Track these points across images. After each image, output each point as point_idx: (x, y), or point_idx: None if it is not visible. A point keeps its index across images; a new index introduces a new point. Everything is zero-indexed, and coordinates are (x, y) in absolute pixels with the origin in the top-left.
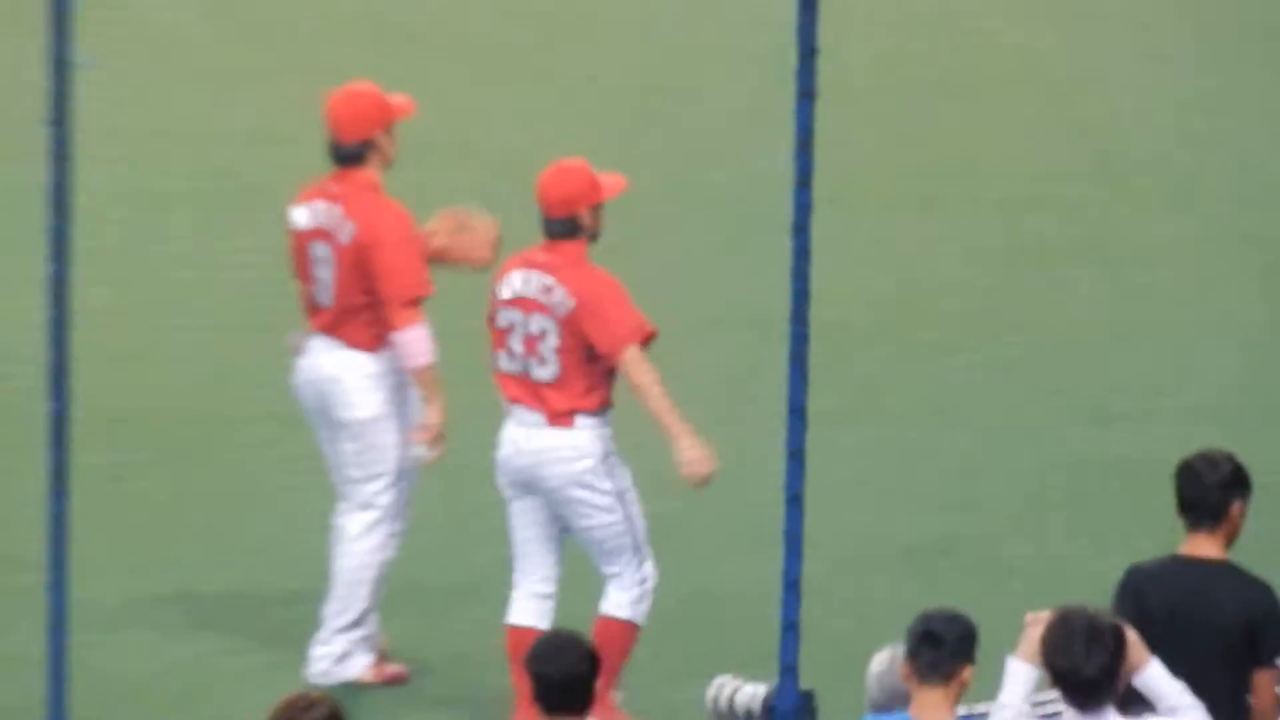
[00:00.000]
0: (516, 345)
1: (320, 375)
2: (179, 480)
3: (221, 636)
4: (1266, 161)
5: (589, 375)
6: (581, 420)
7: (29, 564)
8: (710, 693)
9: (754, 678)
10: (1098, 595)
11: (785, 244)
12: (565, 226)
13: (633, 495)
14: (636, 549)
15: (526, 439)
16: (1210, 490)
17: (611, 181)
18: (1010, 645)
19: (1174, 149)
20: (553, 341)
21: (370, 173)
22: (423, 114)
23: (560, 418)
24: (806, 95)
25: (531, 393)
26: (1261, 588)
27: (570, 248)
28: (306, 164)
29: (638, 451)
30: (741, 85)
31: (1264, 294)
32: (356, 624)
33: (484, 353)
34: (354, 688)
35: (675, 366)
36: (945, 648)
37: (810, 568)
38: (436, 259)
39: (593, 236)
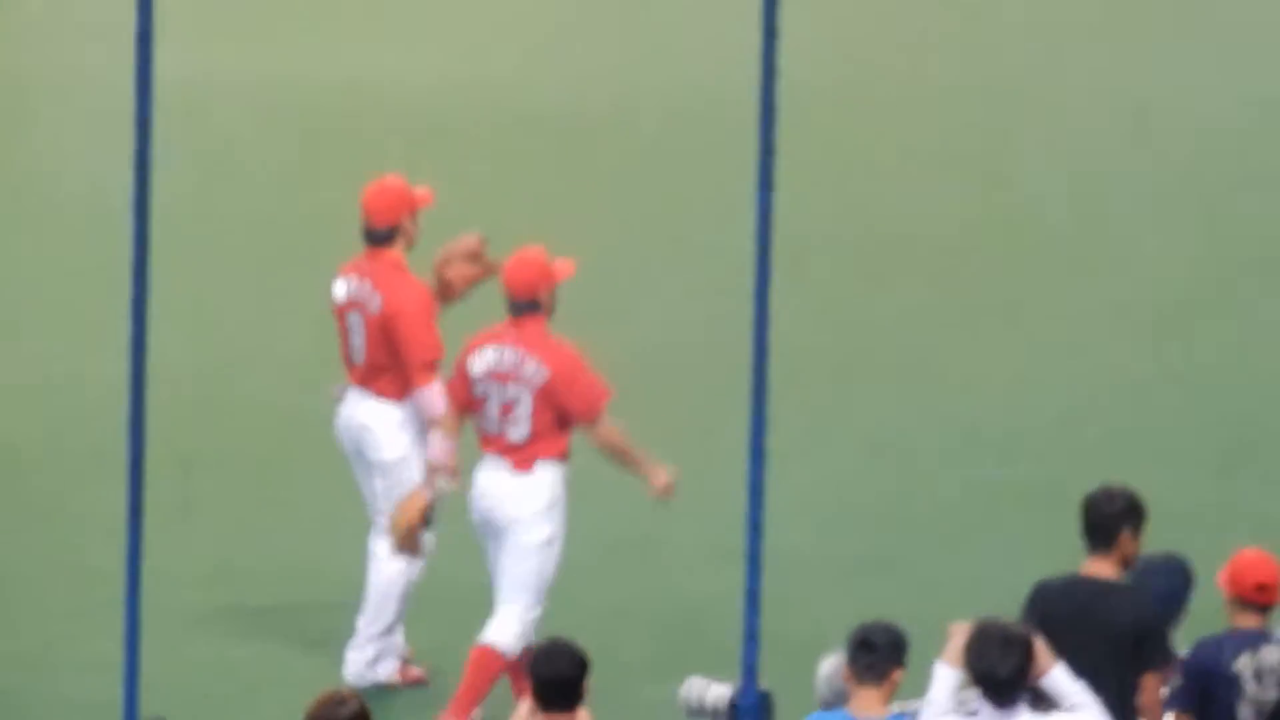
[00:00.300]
0: (493, 411)
1: (355, 422)
2: (239, 511)
3: (271, 643)
4: (1145, 237)
5: (555, 430)
6: (541, 465)
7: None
8: (683, 691)
9: (720, 678)
10: (1012, 607)
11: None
12: (529, 306)
13: (559, 547)
14: (538, 590)
15: (491, 483)
16: (1107, 519)
17: (564, 266)
18: (937, 651)
19: (1076, 224)
20: (526, 407)
21: (396, 252)
22: (450, 202)
23: (523, 463)
24: (766, 188)
25: (504, 447)
26: (1148, 604)
27: (534, 324)
28: (354, 244)
29: (619, 479)
30: (713, 177)
31: (1151, 350)
32: (385, 633)
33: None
34: (382, 688)
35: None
36: (879, 653)
37: (768, 581)
38: (452, 289)
39: (550, 312)
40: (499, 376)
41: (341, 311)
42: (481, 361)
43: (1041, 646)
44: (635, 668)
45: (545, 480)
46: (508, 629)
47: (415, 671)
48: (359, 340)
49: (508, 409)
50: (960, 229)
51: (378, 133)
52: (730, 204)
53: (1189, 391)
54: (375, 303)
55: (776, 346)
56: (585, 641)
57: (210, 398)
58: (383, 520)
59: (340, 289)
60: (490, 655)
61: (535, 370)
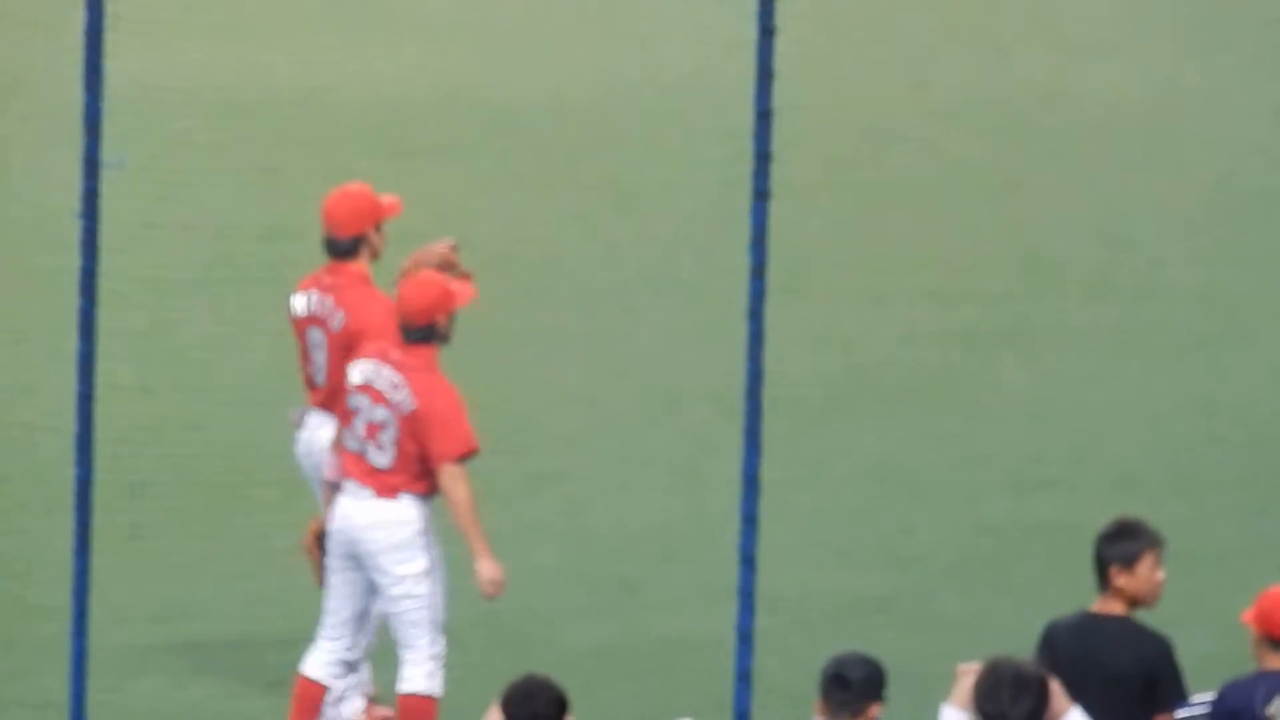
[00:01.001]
0: (359, 428)
1: (317, 446)
2: (192, 540)
3: (228, 681)
4: (1168, 258)
5: (419, 465)
6: (405, 498)
7: (54, 614)
8: None
9: None
10: (1021, 646)
11: (742, 329)
12: (423, 333)
13: (439, 575)
14: (434, 624)
15: (355, 511)
16: (1123, 554)
17: (464, 290)
18: (943, 691)
19: (1090, 247)
20: (391, 433)
21: (360, 265)
22: (418, 213)
23: (388, 491)
24: (761, 196)
25: (366, 472)
26: (1159, 642)
27: (425, 352)
28: (315, 256)
29: (606, 516)
30: (704, 186)
31: (1169, 377)
32: (351, 669)
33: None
34: None
35: (643, 438)
36: (852, 689)
37: (763, 622)
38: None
39: (445, 340)
40: (372, 394)
41: (301, 327)
42: (359, 374)
43: (1057, 688)
44: (619, 711)
45: (412, 510)
46: (418, 673)
47: (381, 711)
48: (321, 359)
49: (373, 430)
50: (969, 248)
51: (344, 138)
52: (723, 215)
53: (1211, 421)
54: (338, 320)
55: (773, 369)
56: (567, 683)
57: (161, 418)
58: None
59: (300, 303)
60: (415, 703)
61: (407, 399)
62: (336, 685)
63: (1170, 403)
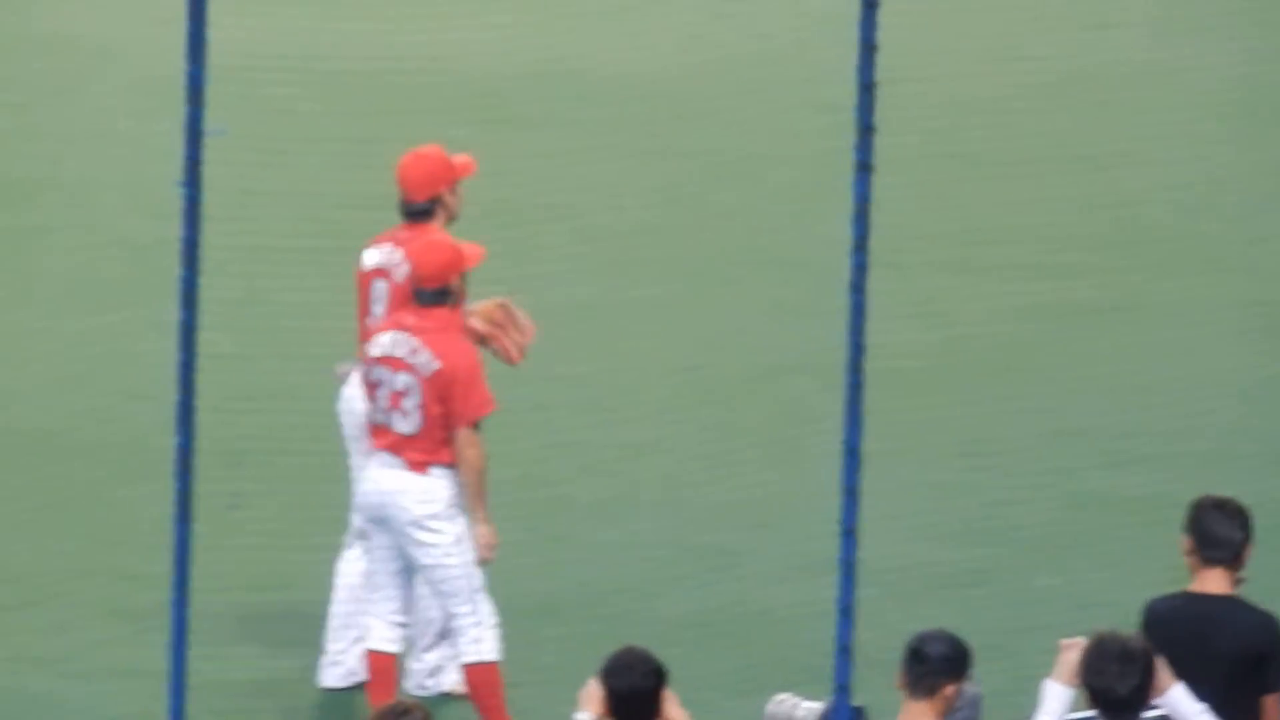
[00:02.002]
0: (383, 399)
1: (358, 404)
2: (290, 508)
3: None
4: (1266, 231)
5: (444, 431)
6: (435, 470)
7: (152, 582)
8: (770, 708)
9: (810, 695)
10: (1117, 621)
11: (842, 302)
12: (438, 295)
13: (468, 544)
14: (472, 591)
15: (384, 479)
16: (1229, 532)
17: (473, 251)
18: (1038, 667)
19: (1186, 219)
20: (415, 398)
21: (435, 226)
22: (513, 182)
23: (417, 466)
24: (864, 168)
25: (393, 443)
26: (1267, 620)
27: (440, 314)
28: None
29: (704, 487)
30: (800, 158)
31: (1265, 352)
32: (446, 639)
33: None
34: (446, 699)
35: (742, 410)
36: (928, 665)
37: (862, 594)
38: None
39: (460, 301)
40: (391, 363)
41: (366, 280)
42: (377, 346)
43: (1161, 664)
44: (718, 682)
45: (441, 483)
46: (475, 640)
47: None
48: (380, 311)
49: (396, 399)
50: (1067, 221)
51: (440, 108)
52: (819, 188)
53: None
54: (402, 271)
55: (871, 341)
56: (668, 653)
57: (259, 386)
58: None
59: (370, 257)
60: (481, 672)
61: (428, 361)
62: (428, 658)
63: (1265, 376)
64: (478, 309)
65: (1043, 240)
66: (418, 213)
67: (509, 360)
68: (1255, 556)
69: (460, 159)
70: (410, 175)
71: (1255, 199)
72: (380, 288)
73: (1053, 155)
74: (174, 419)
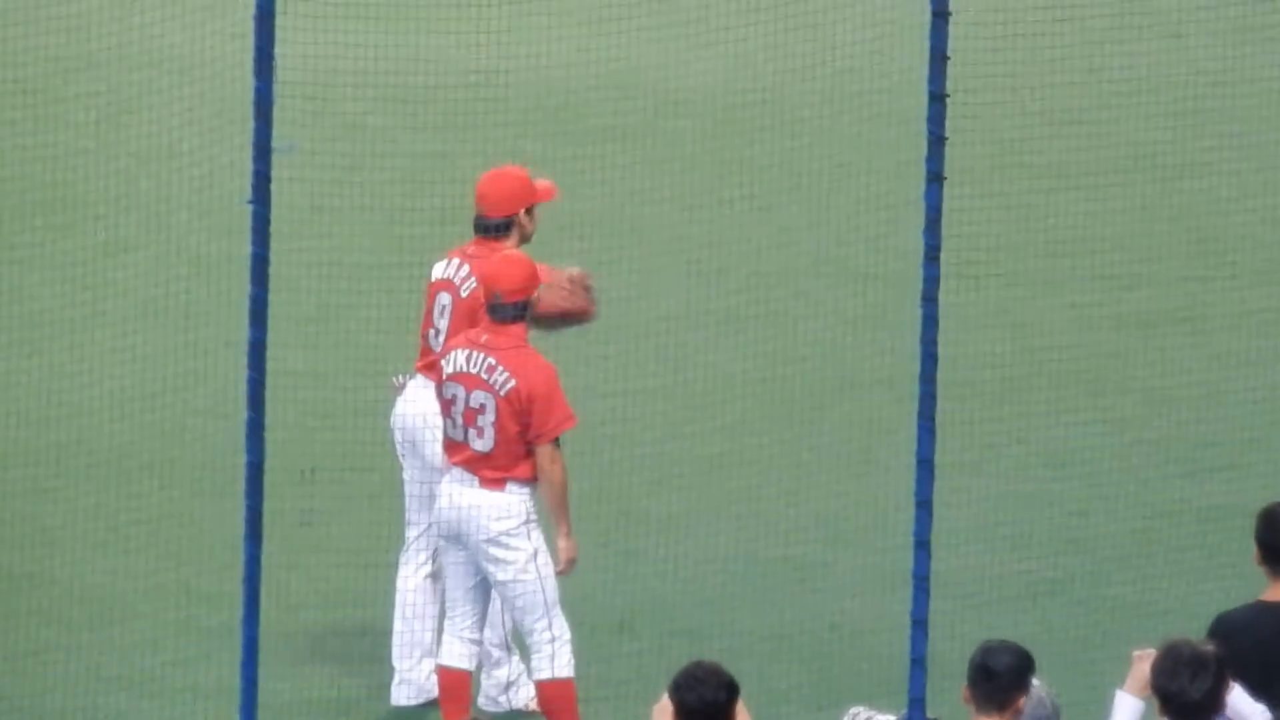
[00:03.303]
0: (458, 417)
1: (410, 420)
2: (362, 526)
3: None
4: None
5: (521, 447)
6: (511, 486)
7: (224, 601)
8: None
9: (885, 708)
10: (1195, 630)
11: (917, 313)
12: (516, 311)
13: (546, 559)
14: (549, 607)
15: (459, 495)
16: None
17: (544, 270)
18: (1115, 675)
19: (1264, 229)
20: (490, 416)
21: (508, 244)
22: (589, 195)
23: (493, 482)
24: (935, 179)
25: (469, 459)
26: None
27: (515, 330)
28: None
29: (788, 499)
30: (876, 169)
31: None
32: (516, 654)
33: (661, 404)
34: (518, 715)
35: (817, 423)
36: (998, 680)
37: (936, 606)
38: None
39: (534, 319)
40: (466, 380)
41: (433, 291)
42: (451, 364)
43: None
44: (793, 695)
45: (517, 499)
46: (550, 657)
47: None
48: (444, 324)
49: (471, 416)
50: (1142, 231)
51: (514, 122)
52: (896, 198)
53: None
54: (468, 286)
55: (945, 353)
56: (741, 667)
57: (331, 403)
58: None
59: (439, 268)
60: (555, 688)
61: (504, 380)
62: (499, 672)
63: None
64: (551, 284)
65: (1120, 250)
66: (491, 228)
67: (587, 316)
68: None
69: (543, 183)
70: (489, 191)
71: None
72: (444, 300)
73: (1129, 165)
74: (244, 437)
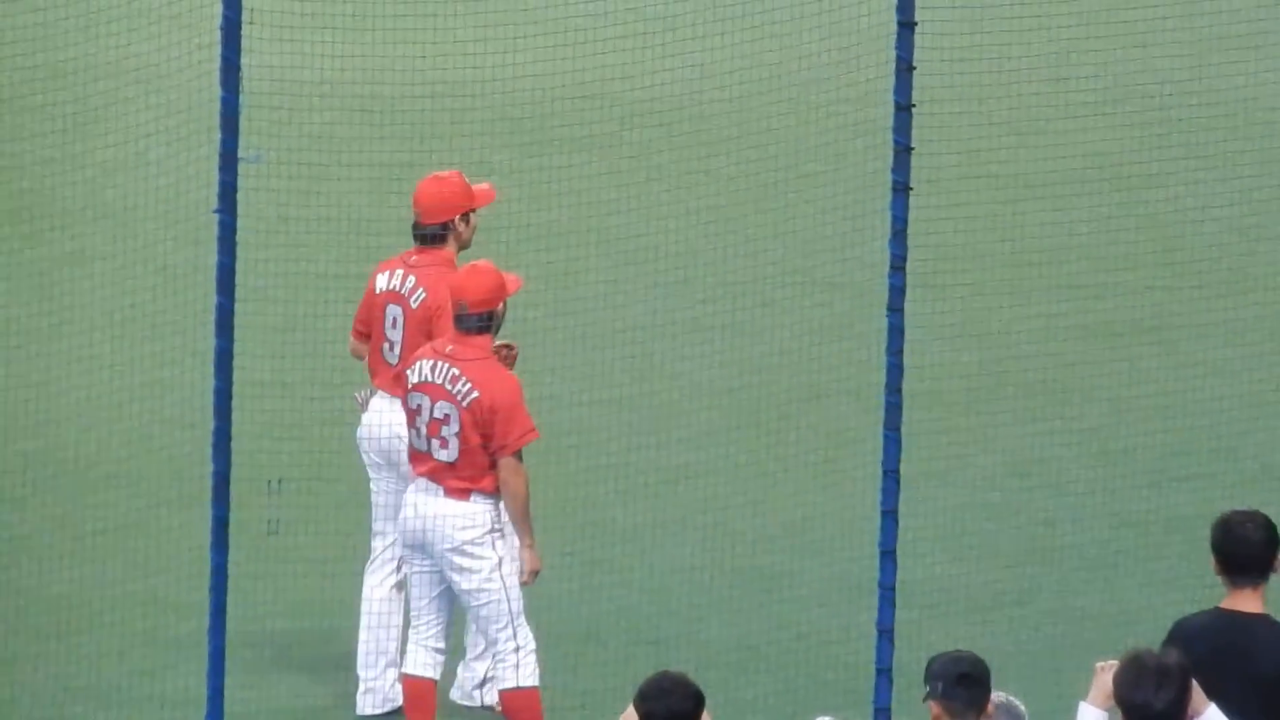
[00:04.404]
0: (423, 427)
1: (377, 431)
2: (328, 535)
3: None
4: None
5: (484, 458)
6: (476, 497)
7: (191, 610)
8: None
9: (851, 717)
10: (1163, 641)
11: (882, 323)
12: (482, 321)
13: (511, 569)
14: (511, 618)
15: (424, 505)
16: (1258, 548)
17: (514, 280)
18: (1083, 686)
19: (1230, 239)
20: (454, 427)
21: (447, 251)
22: (555, 205)
23: (457, 492)
24: (901, 189)
25: (433, 470)
26: None
27: (481, 341)
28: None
29: (754, 508)
30: (843, 180)
31: None
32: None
33: (627, 414)
34: (490, 714)
35: (783, 433)
36: (977, 687)
37: (902, 616)
38: None
39: (499, 329)
40: (431, 390)
41: (380, 304)
42: (417, 374)
43: (1195, 683)
44: (760, 705)
45: (481, 509)
46: (514, 666)
47: None
48: (396, 336)
49: (435, 427)
50: (1106, 240)
51: (481, 132)
52: (861, 208)
53: None
54: (417, 297)
55: (911, 363)
56: (707, 676)
57: (298, 413)
58: None
59: (381, 280)
60: (520, 697)
61: (468, 390)
62: (479, 665)
63: None
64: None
65: (1086, 260)
66: (427, 236)
67: None
68: None
69: (481, 187)
70: (424, 198)
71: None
72: (395, 313)
73: (1095, 175)
74: (211, 446)
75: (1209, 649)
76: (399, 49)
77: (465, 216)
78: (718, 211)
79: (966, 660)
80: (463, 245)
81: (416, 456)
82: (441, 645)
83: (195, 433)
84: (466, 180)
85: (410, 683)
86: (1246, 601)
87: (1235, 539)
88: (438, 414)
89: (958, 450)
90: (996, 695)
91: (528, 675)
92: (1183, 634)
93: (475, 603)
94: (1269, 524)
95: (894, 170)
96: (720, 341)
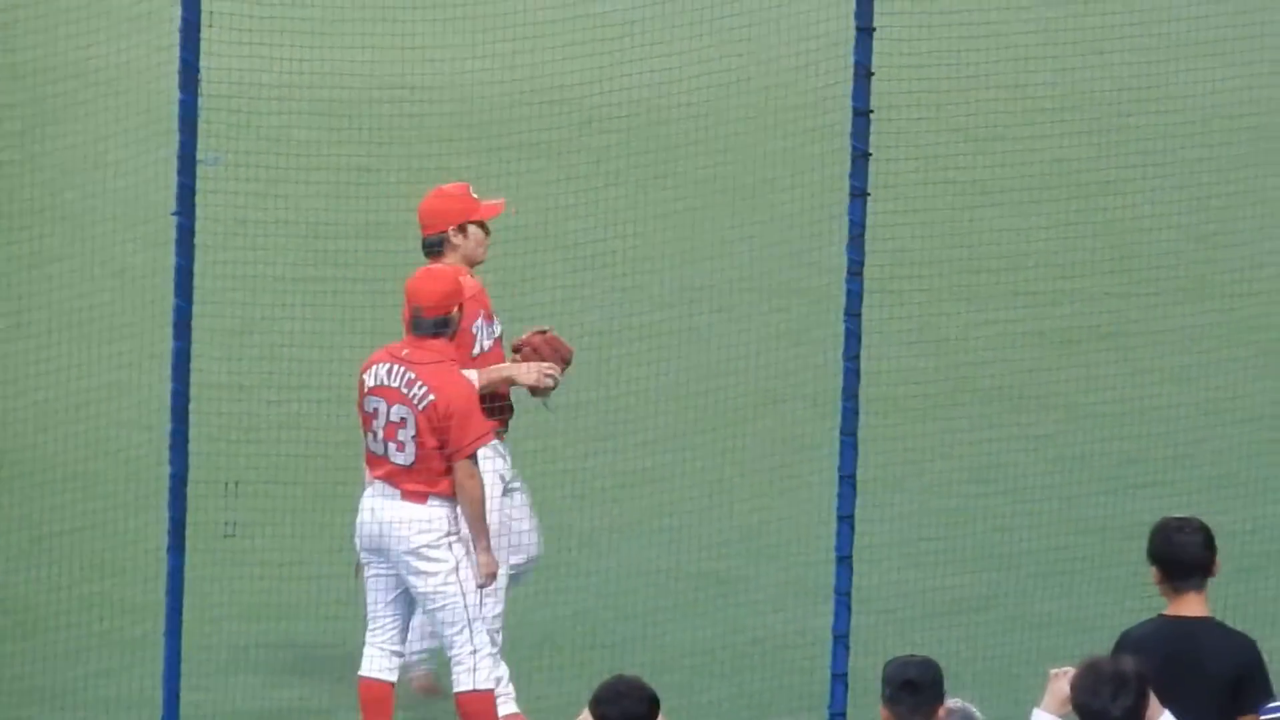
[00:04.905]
0: (379, 430)
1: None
2: (285, 539)
3: (319, 681)
4: (1266, 258)
5: (441, 462)
6: (434, 500)
7: (147, 612)
8: None
9: None
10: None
11: (840, 328)
12: (437, 325)
13: (468, 573)
14: (467, 621)
15: (381, 508)
16: (1198, 551)
17: (472, 285)
18: (1040, 692)
19: (1186, 246)
20: (410, 430)
21: (447, 263)
22: (520, 210)
23: (414, 496)
24: (859, 194)
25: (390, 473)
26: (1245, 641)
27: (437, 345)
28: (410, 252)
29: (711, 513)
30: (801, 185)
31: (1264, 376)
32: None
33: (584, 419)
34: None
35: (740, 438)
36: (924, 693)
37: (859, 621)
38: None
39: (455, 334)
40: (387, 394)
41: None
42: (373, 377)
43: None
44: (715, 710)
45: (438, 513)
46: (470, 669)
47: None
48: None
49: (392, 430)
50: (1063, 247)
51: (440, 137)
52: (820, 213)
53: None
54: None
55: (869, 368)
56: (663, 681)
57: (255, 416)
58: None
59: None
60: (475, 700)
61: (423, 394)
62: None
63: (1267, 402)
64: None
65: (1043, 266)
66: (425, 246)
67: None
68: (1256, 582)
69: (489, 203)
70: (421, 209)
71: (1251, 225)
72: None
73: (1053, 182)
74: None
75: (1157, 656)
76: (358, 53)
77: (462, 228)
78: (676, 217)
79: (914, 665)
80: (467, 259)
81: (373, 460)
82: (399, 648)
83: (152, 435)
84: (471, 193)
85: (368, 685)
86: (1191, 606)
87: (1175, 545)
88: (394, 417)
89: (914, 456)
90: (952, 701)
91: (484, 678)
92: (1130, 643)
93: (432, 605)
94: (1205, 528)
95: (852, 176)
96: (678, 347)
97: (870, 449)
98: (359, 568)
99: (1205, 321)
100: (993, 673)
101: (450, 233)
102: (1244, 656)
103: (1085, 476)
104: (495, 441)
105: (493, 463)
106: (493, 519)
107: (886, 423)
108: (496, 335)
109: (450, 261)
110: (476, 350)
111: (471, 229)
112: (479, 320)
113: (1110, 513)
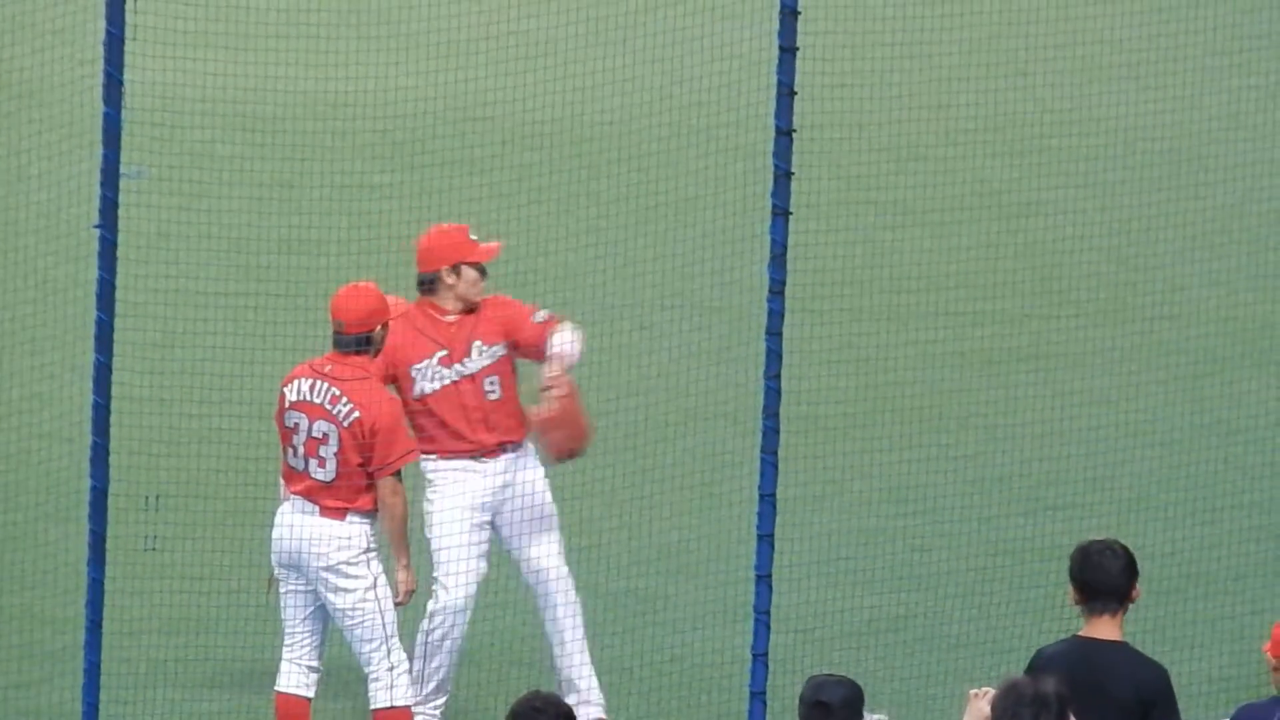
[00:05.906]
0: (299, 445)
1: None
2: (206, 553)
3: (240, 695)
4: (1185, 280)
5: (362, 478)
6: (352, 516)
7: (67, 625)
8: None
9: None
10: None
11: (761, 347)
12: (360, 341)
13: (385, 589)
14: (385, 638)
15: (299, 525)
16: (1117, 576)
17: (395, 301)
18: (958, 713)
19: (1108, 268)
20: (333, 446)
21: (435, 299)
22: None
23: (333, 512)
24: (781, 213)
25: (309, 489)
26: (1156, 668)
27: (361, 361)
28: (332, 268)
29: (631, 531)
30: (723, 203)
31: (1183, 400)
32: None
33: None
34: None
35: (660, 456)
36: (836, 714)
37: (778, 640)
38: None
39: (378, 351)
40: (309, 410)
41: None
42: (295, 392)
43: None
44: None
45: (356, 530)
46: (380, 687)
47: None
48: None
49: (313, 446)
50: (987, 268)
51: (362, 152)
52: (741, 232)
53: (1228, 443)
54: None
55: (790, 388)
56: None
57: (176, 430)
58: None
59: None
60: (394, 716)
61: (348, 411)
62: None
63: (1187, 425)
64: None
65: (964, 287)
66: (419, 283)
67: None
68: (1175, 604)
69: (486, 245)
70: (419, 246)
71: (1171, 248)
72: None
73: (975, 202)
74: (89, 461)
75: (1068, 677)
76: (282, 68)
77: (456, 269)
78: (598, 234)
79: (829, 686)
80: (461, 301)
81: (291, 475)
82: (316, 664)
83: (73, 447)
84: (470, 235)
85: (285, 700)
86: (1104, 629)
87: (1094, 567)
88: (316, 433)
89: (834, 475)
90: (874, 717)
91: (401, 695)
92: (1042, 662)
93: (350, 622)
94: (1127, 552)
95: (774, 195)
96: (599, 364)
97: (790, 468)
98: (272, 582)
99: (1125, 344)
100: (909, 693)
101: (444, 272)
102: (1152, 684)
103: (1004, 498)
104: (487, 462)
105: (467, 484)
106: (453, 538)
107: (807, 441)
108: (459, 378)
109: (444, 301)
110: (417, 393)
111: (465, 270)
112: (425, 362)
113: (1028, 534)
